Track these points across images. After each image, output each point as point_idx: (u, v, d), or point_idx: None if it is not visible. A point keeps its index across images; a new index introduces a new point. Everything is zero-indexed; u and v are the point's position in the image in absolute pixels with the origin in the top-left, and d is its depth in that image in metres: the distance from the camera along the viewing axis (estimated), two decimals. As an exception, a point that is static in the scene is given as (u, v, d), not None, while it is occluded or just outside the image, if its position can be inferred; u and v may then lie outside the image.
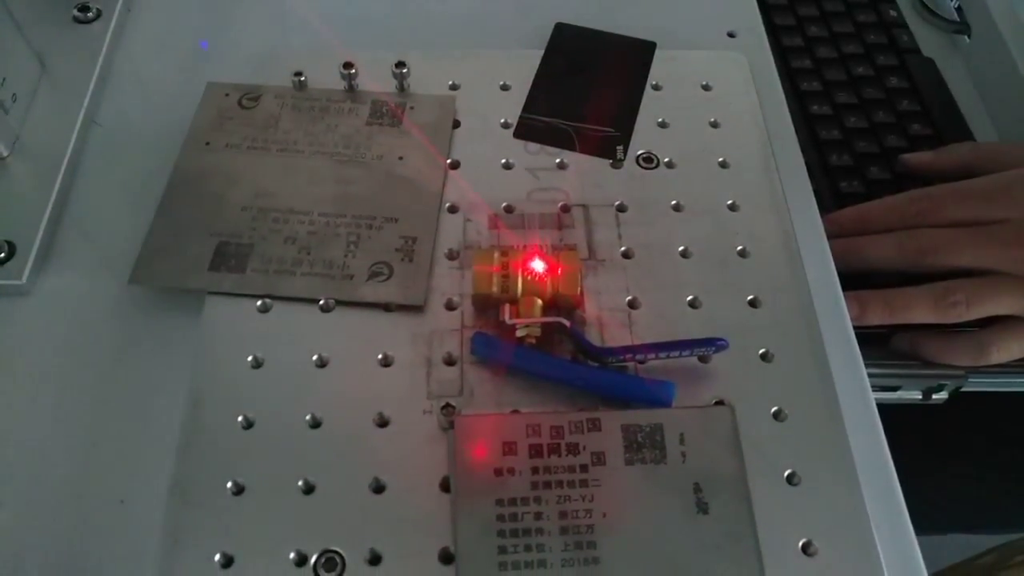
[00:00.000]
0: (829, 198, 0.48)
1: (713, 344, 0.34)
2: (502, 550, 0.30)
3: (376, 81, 0.43)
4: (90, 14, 0.46)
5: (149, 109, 0.44)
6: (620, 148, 0.42)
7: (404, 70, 0.43)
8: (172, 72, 0.45)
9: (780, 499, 0.32)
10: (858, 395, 0.36)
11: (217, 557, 0.30)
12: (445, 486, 0.32)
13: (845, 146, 0.50)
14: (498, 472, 0.31)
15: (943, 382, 0.45)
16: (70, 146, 0.41)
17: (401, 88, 0.43)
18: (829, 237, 0.41)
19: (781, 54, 0.54)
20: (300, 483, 0.32)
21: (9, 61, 0.40)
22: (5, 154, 0.40)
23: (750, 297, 0.38)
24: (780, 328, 0.37)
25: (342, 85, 0.43)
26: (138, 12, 0.48)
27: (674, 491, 0.31)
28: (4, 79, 0.40)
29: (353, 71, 0.42)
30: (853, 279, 0.42)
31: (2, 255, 0.37)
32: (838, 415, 0.34)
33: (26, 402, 0.34)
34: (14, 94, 0.40)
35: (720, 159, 0.42)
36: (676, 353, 0.34)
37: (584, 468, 0.31)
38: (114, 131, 0.43)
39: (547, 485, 0.31)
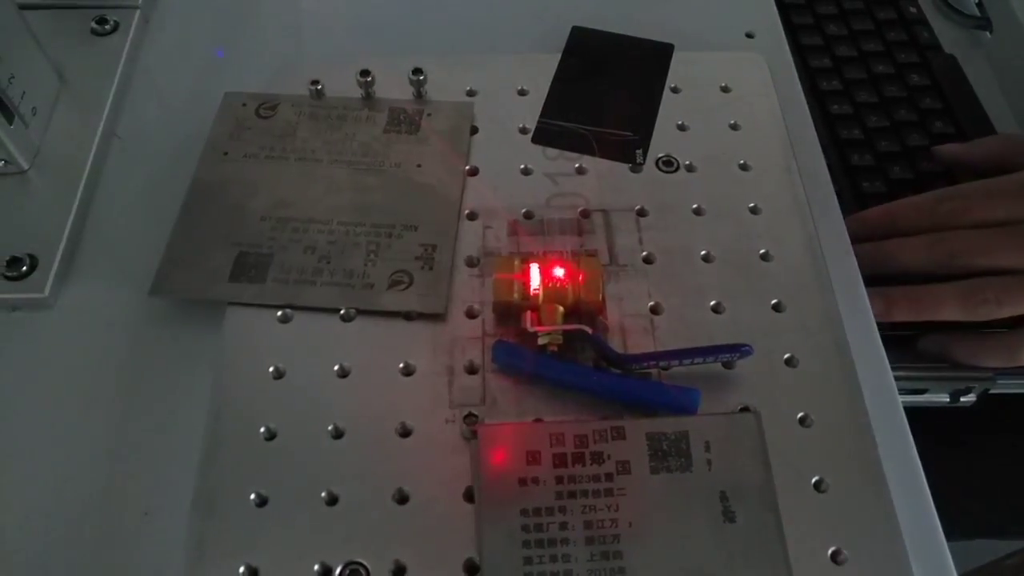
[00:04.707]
0: (851, 198, 0.47)
1: (738, 350, 0.34)
2: (527, 560, 0.30)
3: (393, 88, 0.43)
4: (108, 27, 0.46)
5: (167, 120, 0.44)
6: (639, 152, 0.41)
7: (421, 77, 0.42)
8: (189, 83, 0.45)
9: (808, 507, 0.32)
10: (885, 399, 0.36)
11: (241, 569, 0.30)
12: (469, 496, 0.32)
13: (867, 145, 0.49)
14: (522, 481, 0.31)
15: (971, 384, 0.44)
16: (90, 158, 0.41)
17: (418, 95, 0.43)
18: (854, 238, 0.40)
19: (800, 53, 0.53)
20: (323, 494, 0.32)
21: (28, 74, 0.40)
22: (26, 167, 0.40)
23: (774, 301, 0.37)
24: (805, 332, 0.36)
25: (359, 93, 0.43)
26: (155, 24, 0.48)
27: (700, 500, 0.31)
28: (24, 92, 0.40)
29: (370, 79, 0.42)
30: (878, 279, 0.41)
31: (24, 268, 0.37)
32: (865, 420, 0.34)
33: (49, 414, 0.34)
34: (34, 107, 0.41)
35: (741, 161, 0.42)
36: (700, 360, 0.34)
37: (609, 477, 0.31)
38: (133, 143, 0.43)
39: (572, 494, 0.31)
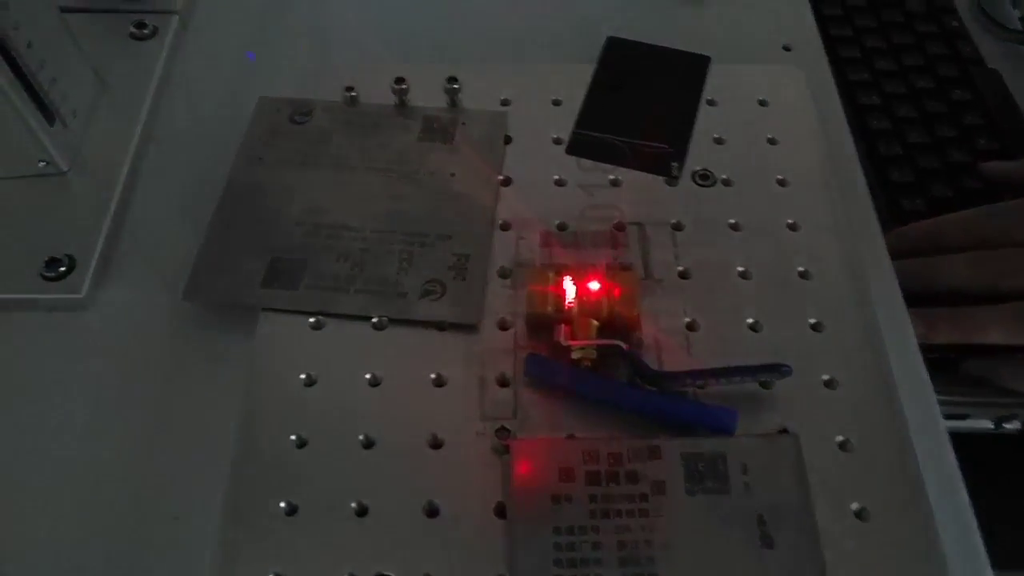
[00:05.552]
0: (889, 216, 0.47)
1: (777, 370, 0.33)
2: (559, 580, 0.29)
3: (427, 96, 0.43)
4: (146, 31, 0.46)
5: (203, 124, 0.44)
6: (675, 165, 0.41)
7: (456, 85, 0.42)
8: (225, 87, 0.45)
9: (849, 534, 0.31)
10: (928, 424, 0.35)
11: (270, 579, 0.30)
12: (500, 511, 0.31)
13: (906, 161, 0.48)
14: (555, 499, 0.30)
15: (1016, 411, 0.43)
16: (128, 161, 0.41)
17: (452, 103, 0.43)
18: (894, 253, 0.39)
19: (838, 67, 0.52)
20: (353, 504, 0.31)
21: (69, 78, 0.40)
22: (65, 169, 0.40)
23: (812, 320, 0.36)
24: (844, 353, 0.35)
25: (393, 100, 0.43)
26: (193, 29, 0.48)
27: (737, 523, 0.30)
28: (65, 95, 0.40)
29: (404, 86, 0.42)
30: (918, 297, 0.40)
31: (62, 269, 0.37)
32: (908, 445, 0.33)
33: (81, 415, 0.34)
34: (74, 110, 0.41)
35: (779, 177, 0.41)
36: (738, 379, 0.33)
37: (644, 497, 0.30)
38: (170, 146, 0.43)
39: (605, 514, 0.30)
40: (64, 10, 0.40)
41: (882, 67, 0.53)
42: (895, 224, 0.47)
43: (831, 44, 0.53)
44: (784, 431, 0.33)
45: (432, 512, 0.31)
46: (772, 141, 0.42)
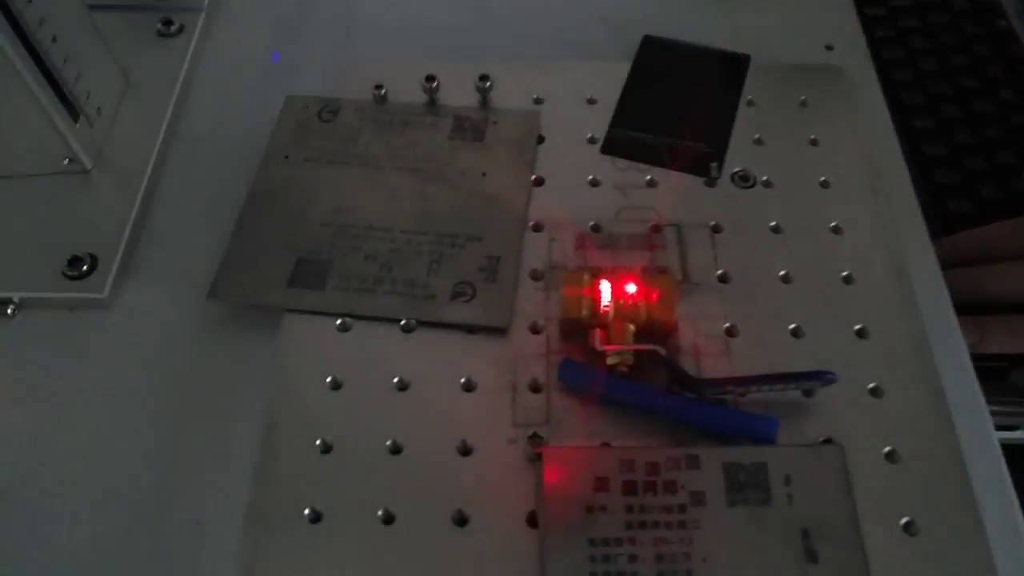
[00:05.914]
0: (935, 218, 0.45)
1: (821, 377, 0.32)
2: (594, 594, 0.28)
3: (458, 95, 0.42)
4: (173, 28, 0.46)
5: (230, 123, 0.43)
6: (714, 165, 0.40)
7: (487, 84, 0.41)
8: (251, 85, 0.45)
9: (897, 550, 0.29)
10: (980, 434, 0.33)
11: (293, 589, 0.29)
12: (532, 521, 0.30)
13: (952, 163, 0.47)
14: (589, 509, 0.29)
15: (1069, 421, 0.41)
16: (152, 159, 0.40)
17: (484, 102, 0.42)
18: (944, 264, 0.38)
19: (882, 67, 0.50)
20: (380, 512, 0.30)
21: (95, 74, 0.40)
22: (89, 167, 0.40)
23: (858, 327, 0.35)
24: (891, 360, 0.34)
25: (423, 98, 0.42)
26: (219, 26, 0.48)
27: (780, 536, 0.29)
28: (89, 92, 0.39)
29: (435, 84, 0.41)
30: (969, 307, 0.39)
31: (85, 268, 0.36)
32: (958, 457, 0.32)
33: (103, 416, 0.34)
34: (99, 107, 0.40)
35: (821, 178, 0.40)
36: (781, 387, 0.32)
37: (682, 508, 0.29)
38: (195, 144, 0.42)
39: (642, 525, 0.29)
40: (91, 7, 0.40)
41: (927, 67, 0.51)
42: (942, 226, 0.45)
43: (874, 45, 0.52)
44: (828, 441, 0.32)
45: (461, 521, 0.30)
46: (814, 142, 0.41)
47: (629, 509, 0.29)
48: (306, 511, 0.30)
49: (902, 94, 0.50)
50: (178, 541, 0.31)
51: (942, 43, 0.52)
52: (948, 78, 0.51)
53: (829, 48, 0.46)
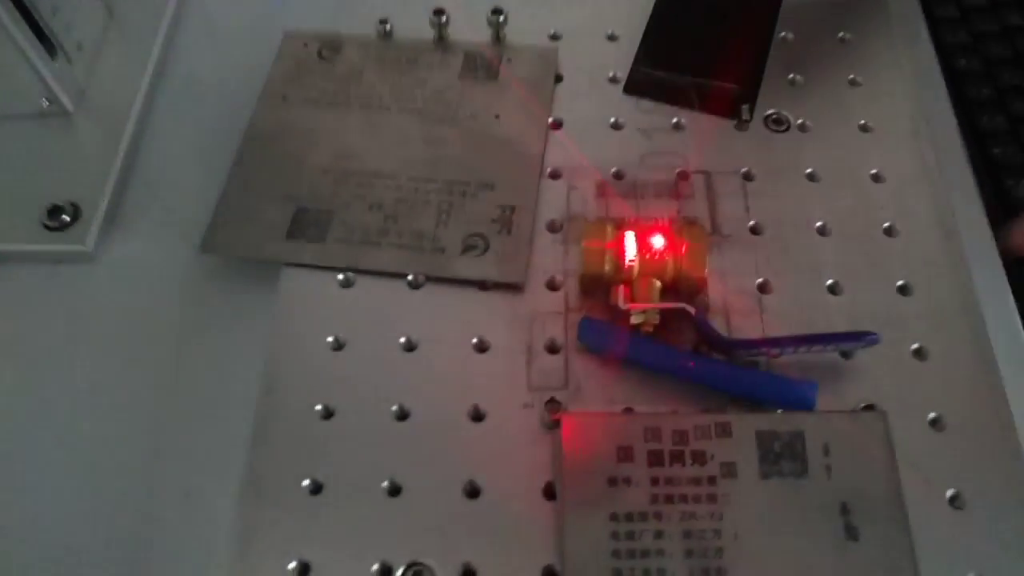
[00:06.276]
0: (980, 167, 0.42)
1: (863, 339, 0.29)
2: (616, 573, 0.26)
3: (469, 30, 0.39)
4: (161, -44, 0.42)
5: (223, 61, 0.41)
6: (745, 108, 0.37)
7: (501, 17, 0.38)
8: (247, 21, 0.42)
9: (943, 525, 0.27)
10: (1032, 400, 0.31)
11: (292, 565, 0.27)
12: (549, 492, 0.28)
13: (999, 107, 0.43)
14: (612, 481, 0.27)
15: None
16: (139, 100, 0.38)
17: (497, 38, 0.39)
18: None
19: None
20: (385, 483, 0.28)
21: (74, 6, 0.37)
22: (70, 109, 0.37)
23: (900, 282, 0.32)
24: (936, 319, 0.32)
25: (431, 34, 0.39)
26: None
27: (817, 512, 0.27)
28: (69, 26, 0.37)
29: (444, 18, 0.38)
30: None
31: (67, 218, 0.34)
32: (1009, 424, 0.29)
33: (88, 378, 0.32)
34: (79, 43, 0.38)
35: (861, 122, 0.37)
36: (819, 348, 0.29)
37: (712, 480, 0.27)
38: (185, 84, 0.40)
39: (668, 499, 0.27)
40: (69, -69, 0.37)
41: (972, 2, 0.48)
42: (987, 175, 0.42)
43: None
44: (870, 407, 0.30)
45: (473, 492, 0.28)
46: (854, 83, 0.38)
47: (655, 481, 0.27)
48: (305, 481, 0.28)
49: (945, 33, 0.46)
50: (166, 515, 0.29)
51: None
52: (994, 13, 0.47)
53: (870, -21, 0.43)
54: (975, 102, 0.44)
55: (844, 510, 0.27)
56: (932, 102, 0.38)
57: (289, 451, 0.29)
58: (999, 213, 0.36)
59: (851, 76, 0.38)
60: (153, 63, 0.39)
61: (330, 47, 0.39)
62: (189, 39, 0.41)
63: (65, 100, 0.36)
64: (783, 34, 0.39)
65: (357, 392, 0.30)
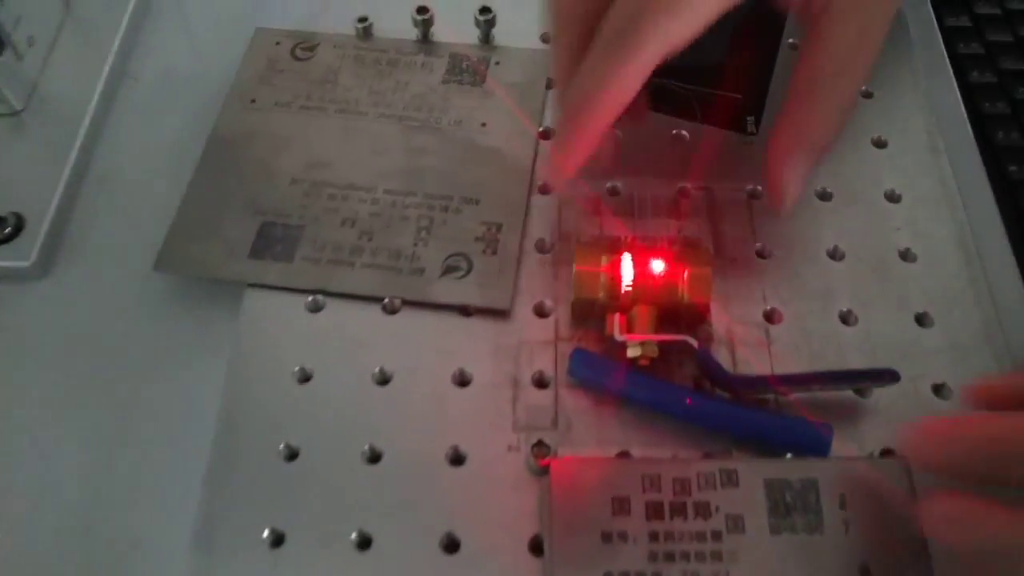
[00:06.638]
0: (995, 186, 0.39)
1: (881, 376, 0.27)
2: (610, 641, 0.23)
3: (455, 30, 0.37)
4: (124, -55, 0.39)
5: (188, 59, 0.38)
6: (751, 120, 0.34)
7: (489, 16, 0.36)
8: (219, 15, 0.40)
9: (971, 586, 0.25)
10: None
11: (248, 627, 0.24)
12: (535, 547, 0.25)
13: (1015, 122, 0.41)
14: (606, 537, 0.24)
15: None
16: (94, 101, 0.35)
17: (485, 39, 0.37)
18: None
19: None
20: (354, 535, 0.25)
21: (26, -2, 0.34)
22: (18, 108, 0.34)
23: (918, 312, 0.30)
24: (958, 353, 0.29)
25: (414, 34, 0.37)
26: (179, -55, 0.41)
27: (834, 573, 0.24)
28: (19, 18, 0.34)
29: (428, 16, 0.36)
30: None
31: (8, 230, 0.31)
32: (1039, 472, 0.27)
33: (30, 411, 0.29)
34: (31, 36, 0.35)
35: (874, 136, 0.35)
36: (832, 386, 0.27)
37: (717, 536, 0.24)
38: (147, 85, 0.37)
39: (669, 556, 0.24)
40: (19, -85, 0.34)
41: (984, 11, 0.45)
42: (1002, 195, 0.39)
43: None
44: (889, 452, 0.27)
45: (451, 545, 0.25)
46: (867, 94, 0.36)
47: (654, 537, 0.24)
48: (265, 532, 0.25)
49: (957, 43, 0.44)
50: (114, 564, 0.26)
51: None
52: (1007, 23, 0.45)
53: (882, -17, 0.40)
54: (989, 116, 0.42)
55: (864, 571, 0.24)
56: (947, 115, 0.36)
57: (248, 496, 0.26)
58: (1015, 233, 0.34)
59: (863, 87, 0.36)
60: (111, 60, 0.36)
61: (304, 46, 0.36)
62: (154, 34, 0.39)
63: (13, 99, 0.34)
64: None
65: (324, 430, 0.27)
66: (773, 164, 0.29)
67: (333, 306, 0.30)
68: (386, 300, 0.30)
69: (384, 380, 0.28)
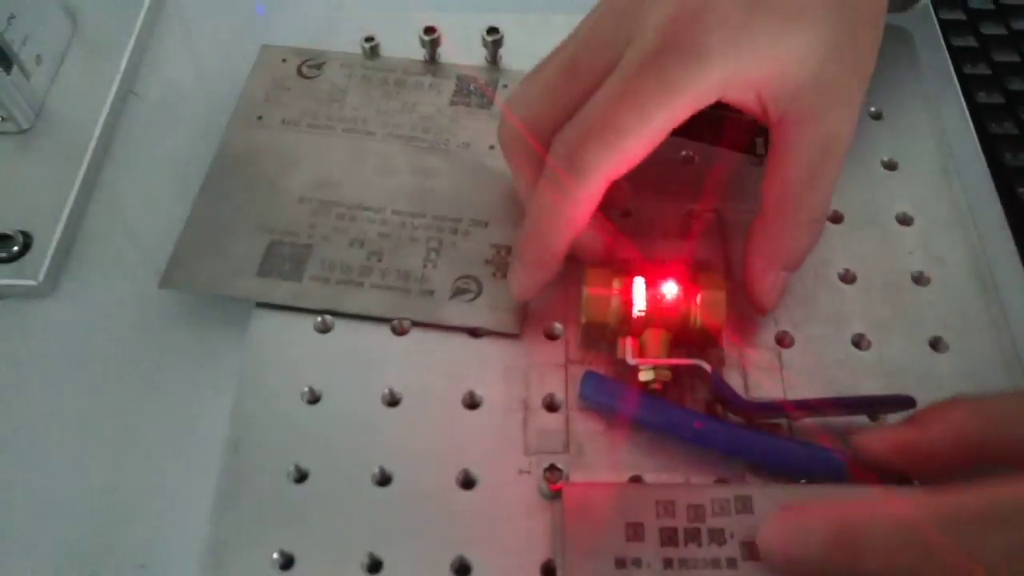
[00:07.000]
0: (1006, 208, 0.39)
1: (896, 403, 0.27)
2: (624, 671, 0.23)
3: (463, 51, 0.36)
4: (131, -38, 0.39)
5: (194, 76, 0.38)
6: (760, 141, 0.34)
7: (496, 37, 0.35)
8: (226, 33, 0.39)
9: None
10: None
11: (256, 654, 0.24)
12: (548, 572, 0.25)
13: (1022, 143, 0.41)
14: (620, 563, 0.24)
15: None
16: (101, 119, 0.35)
17: (493, 60, 0.36)
18: None
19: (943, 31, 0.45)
20: (364, 558, 0.25)
21: (34, 15, 0.34)
22: (26, 126, 0.34)
23: (932, 337, 0.30)
24: (973, 379, 0.29)
25: (422, 54, 0.36)
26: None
27: (851, 601, 0.24)
28: (27, 36, 0.34)
29: (435, 37, 0.36)
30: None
31: (16, 249, 0.31)
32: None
33: (33, 432, 0.28)
34: (39, 55, 0.35)
35: (885, 158, 0.34)
36: (846, 412, 0.27)
37: (732, 563, 0.24)
38: (154, 103, 0.37)
39: (684, 585, 0.24)
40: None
41: (991, 31, 0.45)
42: (1011, 217, 0.39)
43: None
44: (905, 480, 0.26)
45: (462, 570, 0.25)
46: (876, 116, 0.36)
47: (668, 563, 0.24)
48: (274, 554, 0.25)
49: (963, 63, 0.44)
50: (119, 589, 0.25)
51: (1005, 2, 0.46)
52: (1014, 43, 0.45)
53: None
54: (996, 136, 0.42)
55: (879, 598, 0.24)
56: (956, 136, 0.36)
57: (257, 519, 0.26)
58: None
59: (873, 108, 0.36)
60: (119, 78, 0.36)
61: (312, 64, 0.36)
62: (162, 52, 0.39)
63: (20, 117, 0.34)
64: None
65: (333, 452, 0.27)
66: (749, 279, 0.29)
67: (342, 327, 0.29)
68: (395, 321, 0.29)
69: (394, 402, 0.28)
